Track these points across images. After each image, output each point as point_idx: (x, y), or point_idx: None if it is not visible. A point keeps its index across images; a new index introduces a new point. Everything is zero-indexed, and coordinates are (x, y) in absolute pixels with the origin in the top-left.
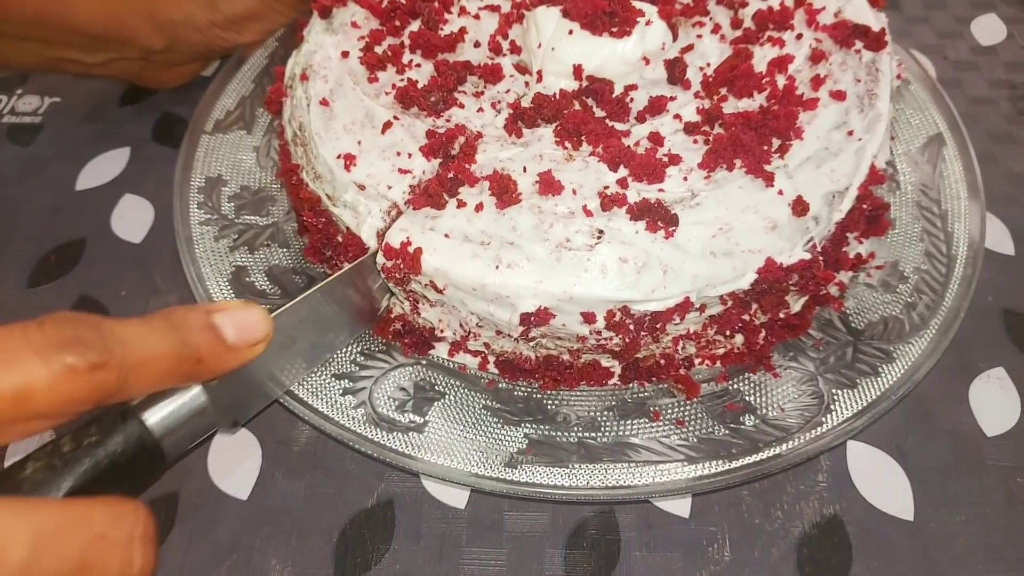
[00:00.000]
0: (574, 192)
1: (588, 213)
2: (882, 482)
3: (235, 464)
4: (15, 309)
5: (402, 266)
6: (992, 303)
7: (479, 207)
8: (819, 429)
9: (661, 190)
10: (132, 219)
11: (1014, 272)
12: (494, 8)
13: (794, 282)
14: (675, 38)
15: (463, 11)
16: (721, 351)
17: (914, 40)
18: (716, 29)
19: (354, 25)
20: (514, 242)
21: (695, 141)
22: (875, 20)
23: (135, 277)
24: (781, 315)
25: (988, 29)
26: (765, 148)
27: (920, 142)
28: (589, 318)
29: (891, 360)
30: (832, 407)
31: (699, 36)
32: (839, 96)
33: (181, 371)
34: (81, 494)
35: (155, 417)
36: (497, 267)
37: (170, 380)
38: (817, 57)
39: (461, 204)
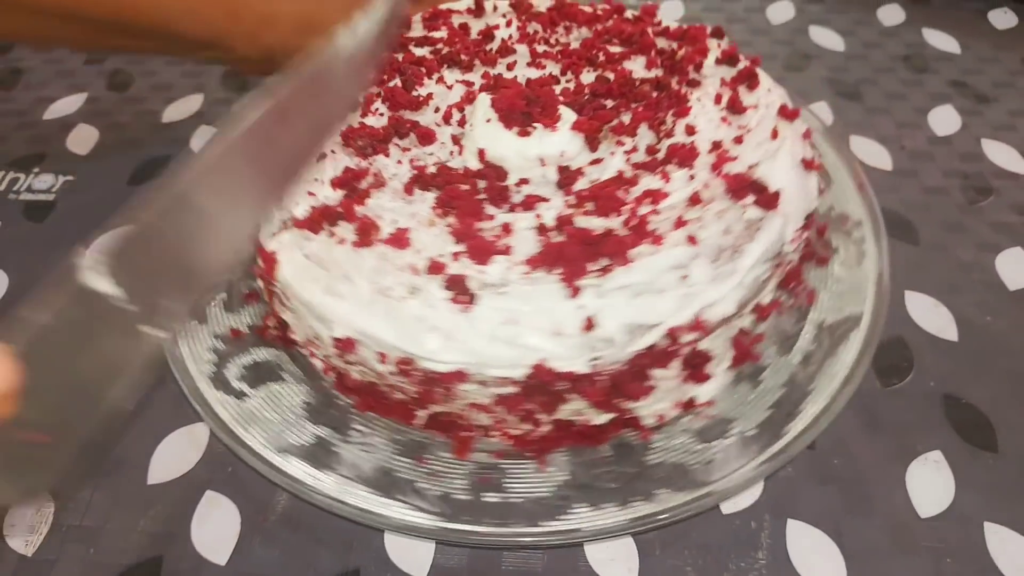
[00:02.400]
0: (417, 252)
1: (415, 272)
2: (819, 562)
3: (215, 529)
4: None
5: (264, 269)
6: (934, 388)
7: (342, 241)
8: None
9: (481, 271)
10: None
11: (956, 358)
12: (468, 84)
13: (565, 389)
14: (594, 149)
15: (441, 80)
16: (516, 432)
17: (874, 131)
18: (633, 150)
19: None
20: (350, 276)
21: (538, 241)
22: (798, 180)
23: None
24: (575, 421)
25: (944, 120)
26: (588, 265)
27: (832, 319)
28: (382, 358)
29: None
30: (569, 511)
31: (612, 154)
32: (692, 241)
33: None
34: None
35: None
36: (326, 292)
37: None
38: (694, 200)
39: (331, 235)
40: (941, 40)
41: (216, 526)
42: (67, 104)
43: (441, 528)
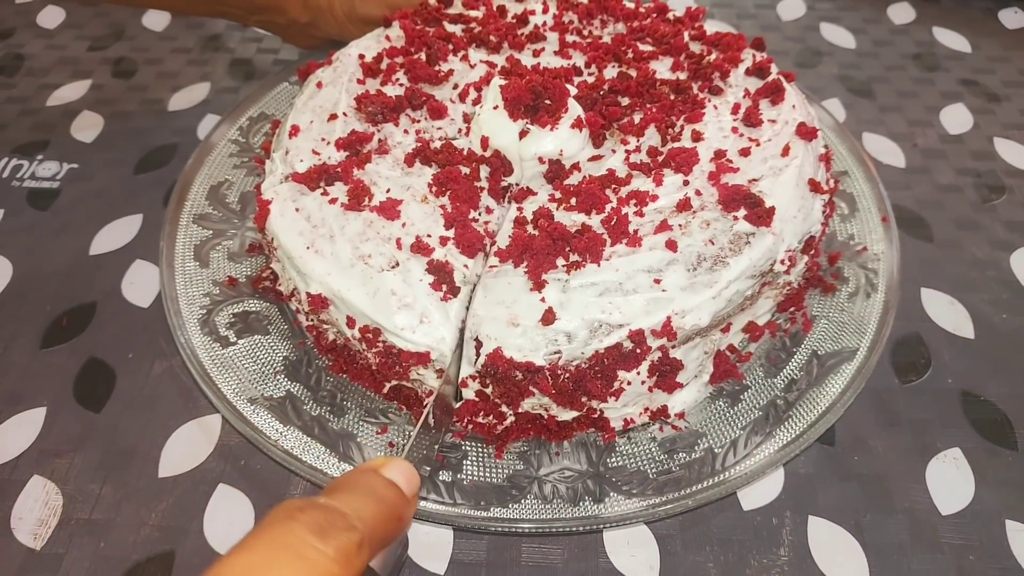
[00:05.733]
0: (404, 225)
1: (399, 246)
2: (840, 558)
3: (228, 524)
4: (28, 368)
5: (259, 215)
6: (951, 385)
7: (333, 201)
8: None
9: (467, 265)
10: (141, 284)
11: (973, 355)
12: (492, 65)
13: (522, 379)
14: (598, 146)
15: (465, 58)
16: (481, 421)
17: (886, 128)
18: (636, 150)
19: (387, 38)
20: (334, 237)
21: (511, 234)
22: (800, 200)
23: (142, 340)
24: (543, 415)
25: (956, 118)
26: (557, 259)
27: (827, 349)
28: (350, 322)
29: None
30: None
31: (614, 151)
32: (671, 246)
33: (391, 534)
34: None
35: (378, 562)
36: (308, 248)
37: (383, 545)
38: (682, 206)
39: (325, 193)
40: (951, 39)
41: (229, 520)
42: (71, 91)
43: None
